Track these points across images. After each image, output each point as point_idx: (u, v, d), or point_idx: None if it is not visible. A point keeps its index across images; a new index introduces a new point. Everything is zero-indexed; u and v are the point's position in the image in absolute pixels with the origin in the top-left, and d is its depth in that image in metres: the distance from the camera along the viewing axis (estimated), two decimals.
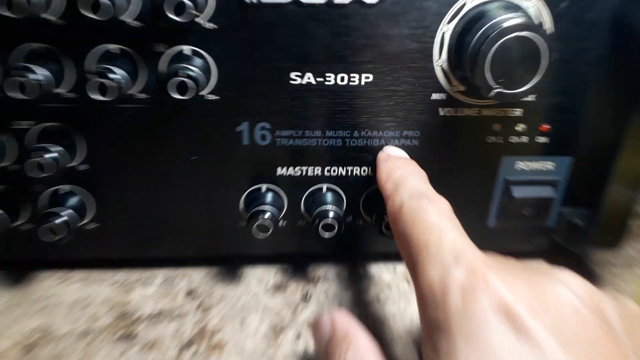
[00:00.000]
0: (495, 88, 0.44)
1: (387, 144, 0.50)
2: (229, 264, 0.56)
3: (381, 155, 0.49)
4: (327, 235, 0.50)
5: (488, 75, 0.43)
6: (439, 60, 0.46)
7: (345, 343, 0.38)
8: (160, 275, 0.55)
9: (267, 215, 0.49)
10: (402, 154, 0.49)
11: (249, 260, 0.57)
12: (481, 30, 0.43)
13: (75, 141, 0.47)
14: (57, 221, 0.47)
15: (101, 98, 0.42)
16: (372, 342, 0.37)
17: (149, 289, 0.53)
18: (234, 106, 0.47)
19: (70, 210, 0.48)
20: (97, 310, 0.50)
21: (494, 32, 0.42)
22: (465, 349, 0.29)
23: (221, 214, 0.52)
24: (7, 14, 0.39)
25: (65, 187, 0.49)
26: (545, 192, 0.53)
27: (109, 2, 0.39)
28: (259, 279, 0.55)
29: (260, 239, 0.49)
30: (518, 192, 0.53)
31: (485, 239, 0.56)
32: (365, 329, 0.38)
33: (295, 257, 0.57)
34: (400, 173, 0.44)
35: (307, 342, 0.47)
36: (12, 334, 0.47)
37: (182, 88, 0.43)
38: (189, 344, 0.47)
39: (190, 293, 0.53)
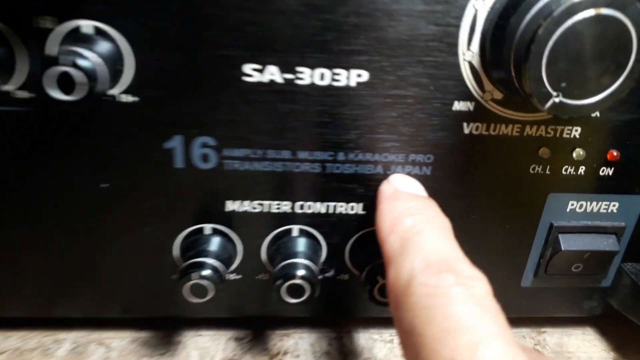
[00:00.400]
0: (555, 96, 0.28)
1: (387, 172, 0.34)
2: (164, 328, 0.41)
3: (385, 190, 0.33)
4: (292, 301, 0.34)
5: (545, 77, 0.27)
6: (467, 53, 0.31)
7: None
8: (68, 340, 0.39)
9: (206, 272, 0.33)
10: (418, 188, 0.34)
11: (191, 323, 0.41)
12: (536, 8, 0.27)
13: None
14: None
15: None
16: None
17: None
18: (161, 112, 0.31)
19: None
20: None
21: (557, 9, 0.26)
22: None
23: (150, 263, 0.37)
24: None
25: None
26: (605, 243, 0.38)
27: None
28: (202, 352, 0.39)
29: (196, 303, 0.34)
30: (568, 243, 0.38)
31: (517, 302, 0.40)
32: None
33: (255, 320, 0.42)
34: (413, 222, 0.29)
35: None
36: None
37: (68, 83, 0.27)
38: None
39: None
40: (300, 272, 0.34)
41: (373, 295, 0.35)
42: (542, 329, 0.43)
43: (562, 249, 0.37)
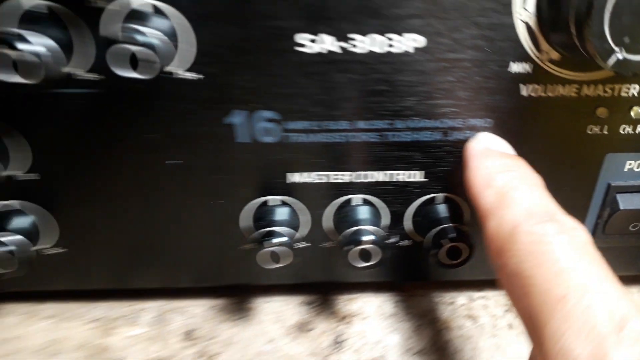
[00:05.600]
0: (618, 52, 0.24)
1: (446, 138, 0.30)
2: (237, 295, 0.38)
3: (474, 147, 0.29)
4: (361, 265, 0.31)
5: (608, 32, 0.23)
6: (523, 13, 0.27)
7: None
8: (150, 309, 0.37)
9: (280, 239, 0.30)
10: (506, 147, 0.30)
11: (262, 290, 0.38)
12: None
13: (13, 143, 0.30)
14: None
15: (19, 80, 0.24)
16: None
17: (136, 329, 0.36)
18: (220, 88, 0.28)
19: (18, 236, 0.31)
20: (68, 359, 0.33)
21: None
22: None
23: (218, 234, 0.34)
24: None
25: (12, 204, 0.32)
26: None
27: None
28: (276, 315, 0.37)
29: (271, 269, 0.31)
30: (626, 202, 0.33)
31: None
32: None
33: (320, 286, 0.39)
34: (507, 178, 0.26)
35: None
36: None
37: (135, 62, 0.24)
38: None
39: (188, 335, 0.35)
40: (368, 237, 0.30)
41: (438, 258, 0.31)
42: None
43: (621, 208, 0.33)
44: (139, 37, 0.24)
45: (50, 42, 0.25)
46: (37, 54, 0.24)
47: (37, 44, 0.24)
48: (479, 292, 0.38)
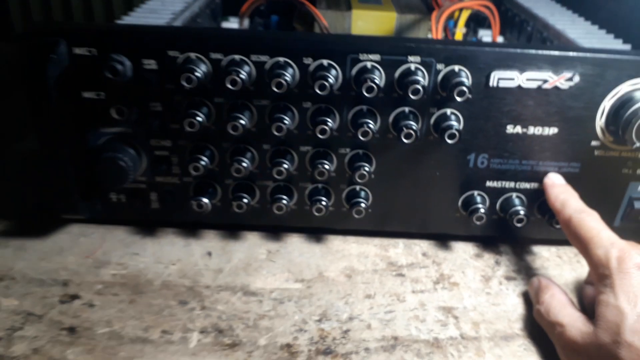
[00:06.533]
0: (635, 144, 0.62)
1: (559, 172, 0.68)
2: (441, 239, 0.76)
3: (547, 182, 0.67)
4: (519, 225, 0.69)
5: (633, 136, 0.61)
6: (599, 122, 0.65)
7: (547, 289, 0.58)
8: (399, 243, 0.75)
9: (481, 211, 0.69)
10: (562, 180, 0.67)
11: (454, 237, 0.76)
12: (632, 108, 0.61)
13: (372, 161, 0.68)
14: (359, 207, 0.68)
15: (406, 142, 0.63)
16: (564, 291, 0.58)
17: (398, 250, 0.74)
18: (467, 144, 0.67)
19: (364, 200, 0.70)
20: (373, 260, 0.72)
21: None
22: (620, 285, 0.48)
23: (445, 206, 0.72)
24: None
25: (357, 187, 0.71)
26: None
27: (420, 88, 0.60)
28: (462, 249, 0.75)
29: (477, 224, 0.69)
30: (638, 204, 0.70)
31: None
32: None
33: (482, 239, 0.76)
34: (565, 196, 0.64)
35: (507, 288, 0.67)
36: (333, 269, 0.69)
37: (449, 135, 0.63)
38: (437, 281, 0.68)
39: (424, 254, 0.73)
40: (522, 212, 0.68)
41: (552, 224, 0.69)
42: None
43: (635, 208, 0.70)
44: (456, 127, 0.62)
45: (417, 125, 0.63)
46: (415, 131, 0.62)
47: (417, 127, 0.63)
48: (561, 246, 0.75)
